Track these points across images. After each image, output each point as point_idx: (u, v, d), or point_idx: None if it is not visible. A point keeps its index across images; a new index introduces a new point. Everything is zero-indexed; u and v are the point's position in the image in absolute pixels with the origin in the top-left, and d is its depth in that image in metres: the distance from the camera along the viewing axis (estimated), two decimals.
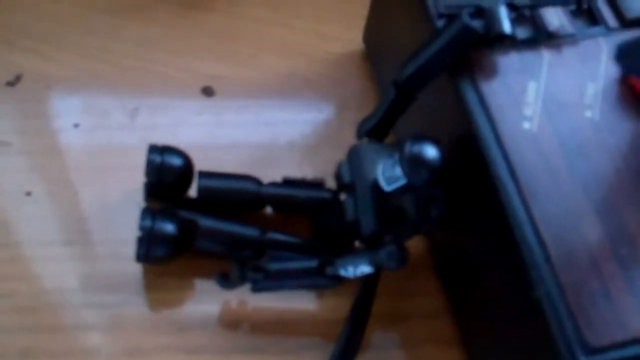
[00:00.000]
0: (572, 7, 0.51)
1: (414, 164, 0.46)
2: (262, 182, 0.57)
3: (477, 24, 0.48)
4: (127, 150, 0.61)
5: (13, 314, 0.55)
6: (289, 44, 0.69)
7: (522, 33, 0.50)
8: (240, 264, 0.53)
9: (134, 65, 0.67)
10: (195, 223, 0.54)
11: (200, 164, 0.57)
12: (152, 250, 0.54)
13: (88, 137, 0.63)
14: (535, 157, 0.45)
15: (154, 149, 0.56)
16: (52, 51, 0.67)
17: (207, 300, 0.56)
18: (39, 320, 0.55)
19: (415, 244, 0.52)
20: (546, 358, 0.42)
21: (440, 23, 0.50)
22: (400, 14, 0.58)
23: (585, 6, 0.51)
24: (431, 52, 0.49)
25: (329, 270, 0.52)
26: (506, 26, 0.48)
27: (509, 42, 0.49)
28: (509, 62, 0.49)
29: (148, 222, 0.53)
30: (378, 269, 0.51)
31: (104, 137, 0.63)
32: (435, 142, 0.47)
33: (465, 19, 0.48)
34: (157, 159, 0.55)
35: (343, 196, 0.52)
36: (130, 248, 0.54)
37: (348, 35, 0.69)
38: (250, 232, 0.55)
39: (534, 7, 0.51)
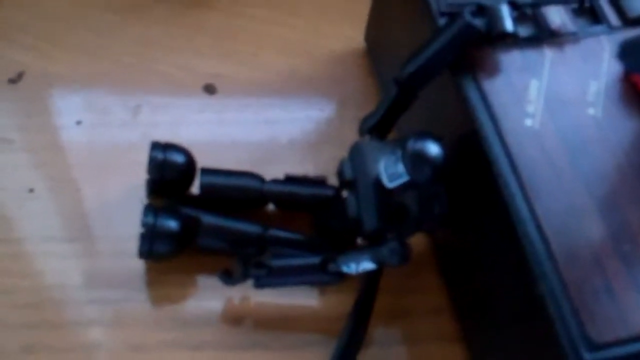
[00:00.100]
0: (574, 5, 0.51)
1: (417, 161, 0.46)
2: (265, 179, 0.57)
3: (479, 22, 0.48)
4: (129, 147, 0.61)
5: (15, 310, 0.55)
6: (290, 42, 0.69)
7: (524, 31, 0.50)
8: (243, 261, 0.53)
9: (135, 63, 0.67)
10: (198, 220, 0.55)
11: (202, 161, 0.57)
12: (155, 246, 0.54)
13: (90, 135, 0.63)
14: (538, 154, 0.45)
15: (156, 146, 0.56)
16: (54, 49, 0.67)
17: (209, 297, 0.56)
18: (41, 317, 0.55)
19: (417, 241, 0.52)
20: (549, 355, 0.42)
21: (442, 21, 0.50)
22: (401, 12, 0.58)
23: (587, 5, 0.51)
24: (433, 50, 0.49)
25: (331, 267, 0.52)
26: (508, 24, 0.48)
27: (511, 40, 0.49)
28: (511, 60, 0.49)
29: (150, 219, 0.53)
30: (380, 266, 0.51)
31: (106, 135, 0.63)
32: (438, 139, 0.47)
33: (467, 17, 0.48)
34: (160, 155, 0.55)
35: (345, 193, 0.52)
36: (132, 244, 0.54)
37: (349, 33, 0.69)
38: (253, 229, 0.55)
39: (535, 5, 0.51)
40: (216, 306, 0.56)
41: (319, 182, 0.57)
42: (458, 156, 0.49)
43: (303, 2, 0.72)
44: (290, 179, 0.57)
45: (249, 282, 0.54)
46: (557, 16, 0.50)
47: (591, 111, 0.47)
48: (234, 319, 0.55)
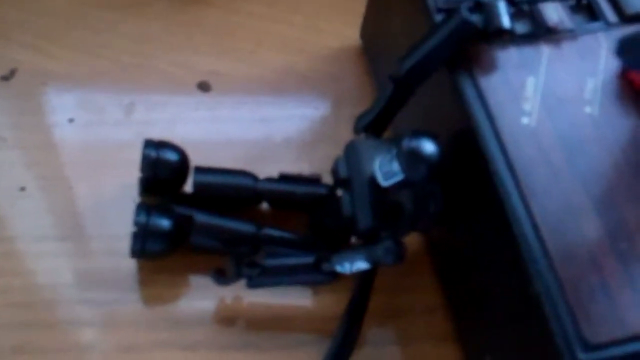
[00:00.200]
0: (572, 2, 0.51)
1: (412, 159, 0.46)
2: (258, 177, 0.57)
3: (476, 18, 0.48)
4: (122, 145, 0.61)
5: (6, 309, 0.54)
6: (286, 39, 0.69)
7: (521, 28, 0.50)
8: (236, 260, 0.52)
9: (130, 60, 0.66)
10: (191, 219, 0.54)
11: (196, 159, 0.57)
12: (147, 245, 0.53)
13: (83, 133, 0.62)
14: (534, 152, 0.45)
15: (149, 144, 0.55)
16: (48, 46, 0.67)
17: (202, 296, 0.55)
18: (33, 316, 0.54)
19: (412, 240, 0.52)
20: (544, 354, 0.41)
21: (438, 17, 0.50)
22: (398, 9, 0.58)
23: (584, 1, 0.51)
24: (430, 47, 0.48)
25: (325, 266, 0.52)
26: (505, 21, 0.48)
27: (507, 37, 0.49)
28: (508, 57, 0.49)
29: (143, 218, 0.53)
30: (375, 265, 0.50)
31: (99, 133, 0.62)
32: (434, 137, 0.47)
33: (464, 13, 0.47)
34: (153, 153, 0.55)
35: (340, 192, 0.52)
36: (125, 243, 0.54)
37: (345, 31, 0.69)
38: (246, 228, 0.55)
39: (532, 2, 0.50)
40: (209, 306, 0.55)
41: (314, 180, 0.57)
42: (454, 154, 0.48)
43: (300, 0, 0.71)
44: (284, 178, 0.57)
45: (242, 282, 0.53)
46: (554, 13, 0.50)
47: (588, 109, 0.47)
48: (227, 319, 0.55)
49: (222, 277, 0.53)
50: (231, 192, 0.56)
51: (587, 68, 0.48)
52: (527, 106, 0.47)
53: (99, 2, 0.69)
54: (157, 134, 0.57)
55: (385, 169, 0.48)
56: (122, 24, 0.68)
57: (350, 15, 0.68)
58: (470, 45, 0.49)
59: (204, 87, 0.65)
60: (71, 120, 0.62)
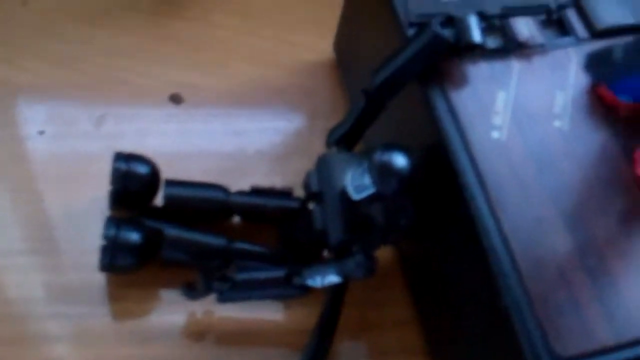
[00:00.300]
0: (542, 17, 0.51)
1: (383, 172, 0.46)
2: (230, 190, 0.56)
3: (447, 33, 0.48)
4: (92, 158, 0.60)
5: None
6: (259, 52, 0.69)
7: (492, 42, 0.50)
8: (206, 274, 0.52)
9: (101, 73, 0.66)
10: (161, 232, 0.54)
11: (168, 173, 0.56)
12: (116, 259, 0.53)
13: (53, 145, 0.62)
14: (504, 166, 0.45)
15: (119, 157, 0.55)
16: (18, 58, 0.66)
17: (172, 311, 0.55)
18: (1, 331, 0.53)
19: (383, 254, 0.52)
20: None
21: (410, 32, 0.50)
22: (370, 23, 0.58)
23: (555, 16, 0.51)
24: (401, 61, 0.48)
25: (296, 280, 0.51)
26: (476, 35, 0.48)
27: (478, 52, 0.49)
28: (479, 71, 0.49)
29: (112, 231, 0.52)
30: (346, 279, 0.50)
31: (70, 145, 0.62)
32: (405, 151, 0.46)
33: (436, 27, 0.47)
34: (123, 166, 0.54)
35: (311, 205, 0.52)
36: (95, 257, 0.53)
37: (318, 44, 0.69)
38: (217, 241, 0.54)
39: (504, 16, 0.51)
40: (179, 320, 0.55)
41: (285, 194, 0.56)
42: (425, 168, 0.48)
43: (272, 13, 0.71)
44: (256, 191, 0.56)
45: (213, 296, 0.53)
46: (525, 28, 0.50)
47: (558, 123, 0.47)
48: (197, 333, 0.54)
49: (192, 291, 0.53)
50: (202, 206, 0.56)
51: (558, 83, 0.49)
52: (497, 120, 0.47)
53: (71, 14, 0.69)
54: (127, 147, 0.56)
55: (357, 183, 0.48)
56: (94, 36, 0.68)
57: (323, 28, 0.68)
58: (442, 60, 0.49)
59: (175, 99, 0.65)
60: (41, 133, 0.62)
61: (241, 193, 0.56)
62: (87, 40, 0.68)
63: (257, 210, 0.57)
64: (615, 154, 0.46)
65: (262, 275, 0.52)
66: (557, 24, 0.51)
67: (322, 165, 0.52)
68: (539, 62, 0.49)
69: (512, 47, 0.50)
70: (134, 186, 0.55)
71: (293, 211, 0.56)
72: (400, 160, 0.46)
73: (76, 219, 0.58)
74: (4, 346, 0.53)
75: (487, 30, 0.50)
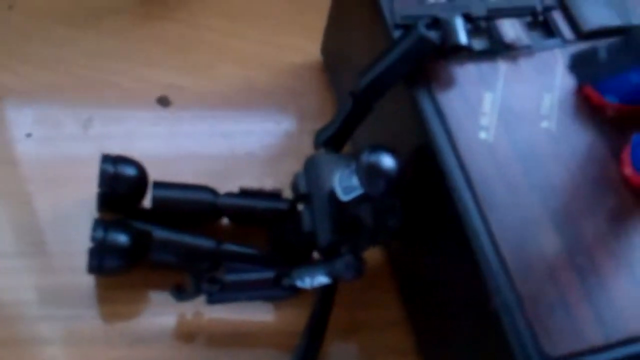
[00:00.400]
0: (528, 19, 0.51)
1: (371, 173, 0.46)
2: (219, 192, 0.56)
3: (433, 34, 0.48)
4: (80, 160, 0.60)
5: None
6: (248, 55, 0.69)
7: (479, 44, 0.50)
8: (195, 276, 0.52)
9: (89, 75, 0.66)
10: (150, 234, 0.54)
11: (157, 175, 0.57)
12: (105, 261, 0.53)
13: (40, 148, 0.62)
14: (492, 167, 0.45)
15: (107, 159, 0.55)
16: (5, 60, 0.66)
17: (162, 313, 0.55)
18: None
19: (372, 255, 0.52)
20: None
21: (396, 34, 0.50)
22: (357, 25, 0.58)
23: (541, 18, 0.51)
24: (388, 63, 0.49)
25: (285, 281, 0.51)
26: (462, 37, 0.48)
27: (465, 53, 0.49)
28: (466, 73, 0.49)
29: (100, 233, 0.52)
30: (335, 280, 0.50)
31: (57, 148, 0.62)
32: (392, 152, 0.47)
33: (421, 29, 0.48)
34: (110, 169, 0.54)
35: (300, 207, 0.52)
36: (83, 260, 0.53)
37: (306, 46, 0.69)
38: (206, 243, 0.54)
39: (489, 18, 0.51)
40: (168, 322, 0.55)
41: (274, 195, 0.56)
42: (413, 169, 0.48)
43: (261, 15, 0.71)
44: (244, 193, 0.56)
45: (202, 298, 0.53)
46: (511, 29, 0.51)
47: (545, 124, 0.47)
48: (187, 335, 0.54)
49: (181, 293, 0.53)
50: (190, 208, 0.56)
51: (544, 84, 0.49)
52: (484, 121, 0.47)
53: (57, 17, 0.69)
54: (115, 149, 0.56)
55: (345, 184, 0.48)
56: (81, 39, 0.68)
57: (311, 31, 0.68)
58: (428, 62, 0.49)
59: (163, 101, 0.65)
60: (29, 135, 0.62)
61: (230, 195, 0.56)
62: (73, 43, 0.67)
63: (245, 212, 0.57)
64: (603, 154, 0.46)
65: (251, 276, 0.53)
66: (543, 26, 0.52)
67: (310, 167, 0.52)
68: (525, 64, 0.50)
69: (499, 49, 0.50)
70: (121, 188, 0.55)
71: (282, 213, 0.56)
72: (387, 162, 0.46)
73: (64, 222, 0.58)
74: None
75: (473, 32, 0.50)
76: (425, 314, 0.53)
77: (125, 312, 0.55)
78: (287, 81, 0.68)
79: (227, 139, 0.64)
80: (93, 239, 0.52)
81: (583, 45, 0.50)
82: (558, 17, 0.52)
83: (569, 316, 0.41)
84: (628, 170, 0.45)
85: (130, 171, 0.55)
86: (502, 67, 0.49)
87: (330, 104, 0.66)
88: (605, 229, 0.44)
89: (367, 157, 0.46)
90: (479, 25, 0.51)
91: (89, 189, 0.55)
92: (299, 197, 0.52)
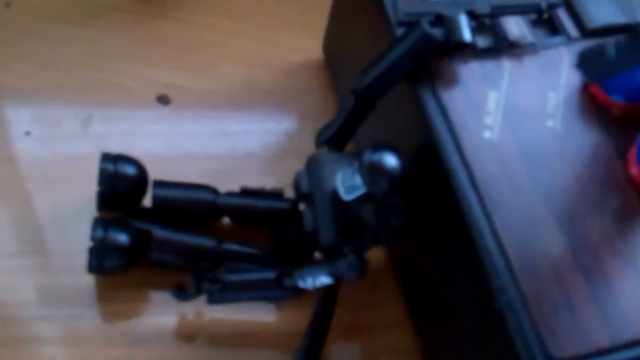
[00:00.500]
0: (533, 16, 0.51)
1: (374, 172, 0.46)
2: (219, 192, 0.56)
3: (436, 32, 0.48)
4: (79, 159, 0.60)
5: None
6: (248, 53, 0.68)
7: (483, 42, 0.50)
8: (196, 276, 0.52)
9: (88, 74, 0.65)
10: (150, 233, 0.53)
11: (157, 174, 0.56)
12: (105, 261, 0.52)
13: (40, 146, 0.61)
14: (496, 166, 0.45)
15: (106, 157, 0.54)
16: (4, 59, 0.65)
17: (162, 312, 0.54)
18: None
19: (375, 255, 0.52)
20: None
21: (399, 31, 0.50)
22: (359, 23, 0.58)
23: (545, 16, 0.51)
24: (390, 61, 0.48)
25: (287, 281, 0.51)
26: (466, 35, 0.48)
27: (469, 51, 0.49)
28: (470, 70, 0.49)
29: (100, 232, 0.52)
30: (337, 280, 0.50)
31: (56, 146, 0.61)
32: (395, 150, 0.46)
33: (425, 27, 0.47)
34: (110, 167, 0.54)
35: (302, 206, 0.51)
36: (83, 259, 0.53)
37: (307, 45, 0.69)
38: (206, 242, 0.54)
39: (494, 16, 0.51)
40: (169, 322, 0.54)
41: (276, 195, 0.56)
42: (416, 168, 0.48)
43: (262, 15, 0.71)
44: (245, 192, 0.56)
45: (203, 298, 0.52)
46: (515, 27, 0.50)
47: (550, 123, 0.47)
48: (188, 335, 0.54)
49: (182, 292, 0.53)
50: (191, 207, 0.56)
51: (549, 82, 0.48)
52: (489, 120, 0.47)
53: (57, 14, 0.68)
54: (115, 148, 0.56)
55: (348, 183, 0.47)
56: (81, 37, 0.67)
57: (312, 29, 0.68)
58: (432, 59, 0.49)
59: (163, 100, 0.64)
60: (27, 134, 0.61)
61: (230, 194, 0.56)
62: (72, 41, 0.67)
63: (247, 212, 0.56)
64: (608, 153, 0.46)
65: (252, 276, 0.52)
66: (547, 23, 0.51)
67: (312, 166, 0.51)
68: (530, 62, 0.49)
69: (503, 47, 0.50)
70: (121, 187, 0.54)
71: (284, 212, 0.55)
72: (390, 160, 0.46)
73: (64, 221, 0.57)
74: None
75: (477, 29, 0.50)
76: (428, 314, 0.53)
77: (126, 312, 0.55)
78: (288, 80, 0.67)
79: (227, 137, 0.63)
80: (93, 238, 0.52)
81: (588, 43, 0.49)
82: (563, 15, 0.51)
83: (574, 316, 0.40)
84: (634, 169, 0.45)
85: (130, 170, 0.55)
86: (507, 65, 0.49)
87: (332, 102, 0.66)
88: (611, 229, 0.43)
89: (369, 156, 0.46)
90: (483, 22, 0.50)
91: (89, 188, 0.55)
92: (301, 196, 0.51)
